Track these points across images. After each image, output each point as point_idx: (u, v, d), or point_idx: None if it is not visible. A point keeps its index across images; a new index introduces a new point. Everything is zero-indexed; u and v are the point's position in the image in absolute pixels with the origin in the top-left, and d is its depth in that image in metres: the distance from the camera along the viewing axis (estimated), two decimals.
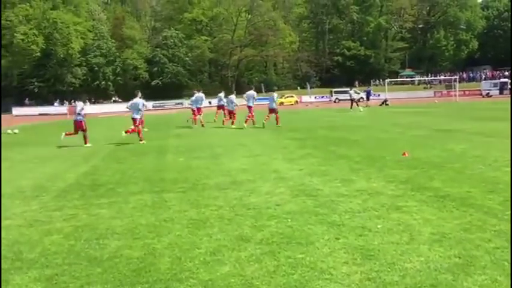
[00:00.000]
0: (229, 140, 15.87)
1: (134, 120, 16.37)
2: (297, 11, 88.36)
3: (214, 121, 24.64)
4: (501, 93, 58.23)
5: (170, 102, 63.40)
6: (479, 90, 60.95)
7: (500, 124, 17.37)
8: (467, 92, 60.88)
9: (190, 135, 18.36)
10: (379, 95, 54.60)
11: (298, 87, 72.03)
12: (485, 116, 22.74)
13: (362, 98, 50.70)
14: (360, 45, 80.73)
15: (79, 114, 15.91)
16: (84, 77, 69.05)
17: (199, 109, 23.14)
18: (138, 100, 16.60)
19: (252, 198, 6.86)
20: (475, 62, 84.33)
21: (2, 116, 38.32)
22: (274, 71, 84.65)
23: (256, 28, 78.73)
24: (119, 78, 72.77)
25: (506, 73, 71.04)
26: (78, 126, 15.88)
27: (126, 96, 66.87)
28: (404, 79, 74.85)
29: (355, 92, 37.07)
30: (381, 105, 41.45)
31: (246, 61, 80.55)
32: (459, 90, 52.76)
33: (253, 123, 21.13)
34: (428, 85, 73.55)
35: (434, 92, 67.09)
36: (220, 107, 26.01)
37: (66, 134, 16.14)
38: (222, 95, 26.58)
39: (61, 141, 15.93)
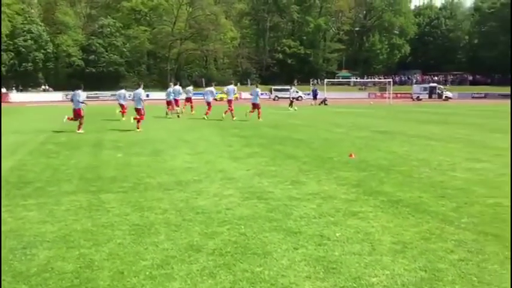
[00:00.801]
0: (171, 135, 15.22)
1: (138, 110, 17.35)
2: (239, 6, 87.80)
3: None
4: (430, 97, 61.24)
5: (106, 94, 60.93)
6: (410, 93, 63.75)
7: (435, 127, 17.98)
8: (399, 95, 63.46)
9: (129, 129, 17.45)
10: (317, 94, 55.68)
11: (238, 83, 71.70)
12: (420, 118, 23.56)
13: (301, 97, 51.37)
14: (300, 44, 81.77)
15: (79, 101, 16.51)
16: (11, 61, 64.52)
17: (176, 100, 24.64)
18: (141, 91, 17.79)
19: (199, 201, 6.40)
20: (407, 66, 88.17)
21: None
22: (214, 66, 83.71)
23: (197, 22, 77.25)
24: (49, 64, 68.64)
25: (435, 78, 74.90)
26: (77, 114, 16.48)
27: (57, 85, 63.63)
28: (341, 80, 76.88)
29: (295, 91, 37.35)
30: (320, 104, 42.09)
31: (186, 55, 78.88)
32: (392, 93, 54.87)
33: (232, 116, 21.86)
34: (363, 87, 75.91)
35: (369, 94, 69.39)
36: (188, 99, 26.68)
37: (68, 118, 16.72)
38: (190, 88, 28.32)
39: (63, 123, 16.85)
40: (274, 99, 58.55)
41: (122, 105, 22.02)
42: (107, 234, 4.99)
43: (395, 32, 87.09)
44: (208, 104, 23.02)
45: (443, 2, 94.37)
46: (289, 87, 40.46)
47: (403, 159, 9.89)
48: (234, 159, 9.98)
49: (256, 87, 24.15)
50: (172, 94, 24.48)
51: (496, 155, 10.23)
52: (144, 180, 7.81)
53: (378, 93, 68.10)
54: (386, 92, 57.30)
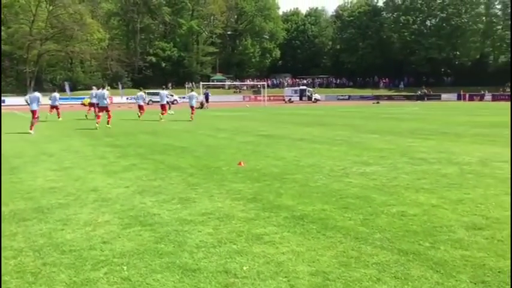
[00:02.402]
0: (31, 147, 13.13)
1: (103, 108, 20.16)
2: (106, 6, 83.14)
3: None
4: (301, 99, 64.12)
5: None
6: (283, 96, 66.12)
7: (315, 129, 18.21)
8: (272, 98, 65.41)
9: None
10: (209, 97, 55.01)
11: (109, 87, 67.75)
12: (297, 121, 23.96)
13: (176, 100, 50.06)
14: (173, 46, 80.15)
15: (38, 103, 18.17)
16: None
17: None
18: (105, 91, 20.44)
19: (66, 234, 5.09)
20: (278, 70, 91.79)
21: None
22: (81, 69, 78.20)
23: (59, 21, 71.29)
24: None
25: (304, 81, 78.86)
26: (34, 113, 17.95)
27: None
28: (216, 83, 77.10)
29: (169, 94, 36.09)
30: (198, 108, 41.25)
31: (48, 56, 72.34)
32: (266, 96, 56.23)
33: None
34: (238, 90, 76.97)
35: (244, 97, 70.59)
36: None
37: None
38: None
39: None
40: (148, 103, 56.29)
41: (55, 107, 25.14)
42: None
43: (266, 36, 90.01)
44: (141, 106, 26.94)
45: (308, 9, 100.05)
46: (160, 91, 39.05)
47: (294, 165, 9.43)
48: (109, 174, 8.63)
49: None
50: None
51: (381, 157, 10.30)
52: None
53: (252, 96, 69.58)
54: (261, 95, 58.60)
